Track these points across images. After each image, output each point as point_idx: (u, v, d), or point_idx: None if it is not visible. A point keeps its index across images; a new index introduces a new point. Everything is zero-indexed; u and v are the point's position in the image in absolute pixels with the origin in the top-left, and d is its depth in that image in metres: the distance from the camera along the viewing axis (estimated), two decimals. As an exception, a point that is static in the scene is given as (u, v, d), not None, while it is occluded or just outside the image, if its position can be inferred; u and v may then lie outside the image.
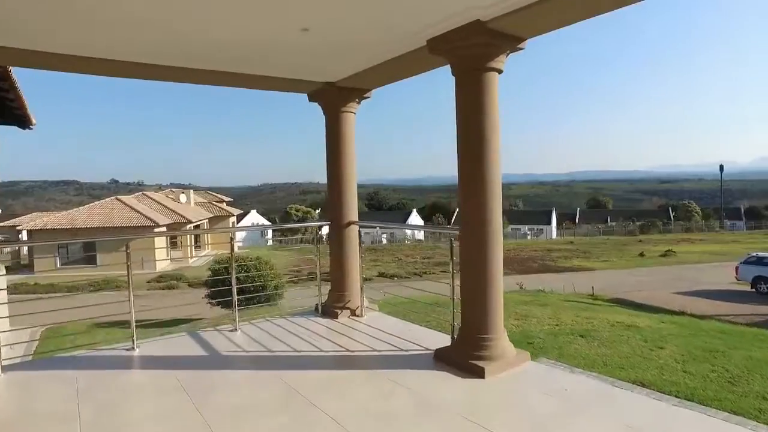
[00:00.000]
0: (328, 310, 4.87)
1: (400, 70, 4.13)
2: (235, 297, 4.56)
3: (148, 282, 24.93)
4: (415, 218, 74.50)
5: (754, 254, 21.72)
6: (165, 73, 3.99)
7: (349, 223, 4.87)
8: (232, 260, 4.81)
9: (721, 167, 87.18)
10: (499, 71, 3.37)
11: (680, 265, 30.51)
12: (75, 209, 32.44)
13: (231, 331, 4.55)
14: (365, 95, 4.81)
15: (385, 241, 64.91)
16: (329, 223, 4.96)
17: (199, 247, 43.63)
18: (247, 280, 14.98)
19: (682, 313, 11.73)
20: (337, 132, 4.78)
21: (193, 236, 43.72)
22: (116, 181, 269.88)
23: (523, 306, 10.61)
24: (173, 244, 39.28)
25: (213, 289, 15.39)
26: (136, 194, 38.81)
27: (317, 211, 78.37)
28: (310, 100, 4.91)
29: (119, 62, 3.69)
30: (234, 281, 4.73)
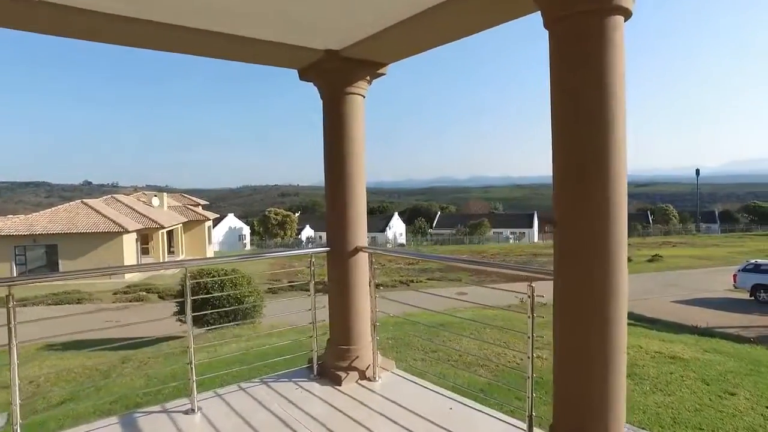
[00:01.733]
0: (327, 371, 3.49)
1: (436, 30, 2.81)
2: (192, 358, 3.13)
3: (115, 293, 23.02)
4: (396, 221, 73.35)
5: (752, 262, 21.10)
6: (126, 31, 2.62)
7: (357, 250, 3.51)
8: (187, 294, 3.36)
9: (698, 171, 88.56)
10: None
11: (670, 271, 29.95)
12: (35, 213, 30.18)
13: (187, 412, 3.06)
14: (379, 71, 3.47)
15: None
16: (328, 249, 3.59)
17: (173, 253, 41.54)
18: (222, 296, 13.44)
19: (709, 335, 10.66)
20: (340, 121, 3.42)
21: (166, 242, 41.65)
22: (89, 183, 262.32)
23: (542, 330, 9.42)
24: (144, 250, 37.20)
25: (180, 299, 13.86)
26: (105, 197, 36.59)
27: (297, 214, 76.59)
28: (301, 78, 3.54)
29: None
30: (190, 323, 3.30)
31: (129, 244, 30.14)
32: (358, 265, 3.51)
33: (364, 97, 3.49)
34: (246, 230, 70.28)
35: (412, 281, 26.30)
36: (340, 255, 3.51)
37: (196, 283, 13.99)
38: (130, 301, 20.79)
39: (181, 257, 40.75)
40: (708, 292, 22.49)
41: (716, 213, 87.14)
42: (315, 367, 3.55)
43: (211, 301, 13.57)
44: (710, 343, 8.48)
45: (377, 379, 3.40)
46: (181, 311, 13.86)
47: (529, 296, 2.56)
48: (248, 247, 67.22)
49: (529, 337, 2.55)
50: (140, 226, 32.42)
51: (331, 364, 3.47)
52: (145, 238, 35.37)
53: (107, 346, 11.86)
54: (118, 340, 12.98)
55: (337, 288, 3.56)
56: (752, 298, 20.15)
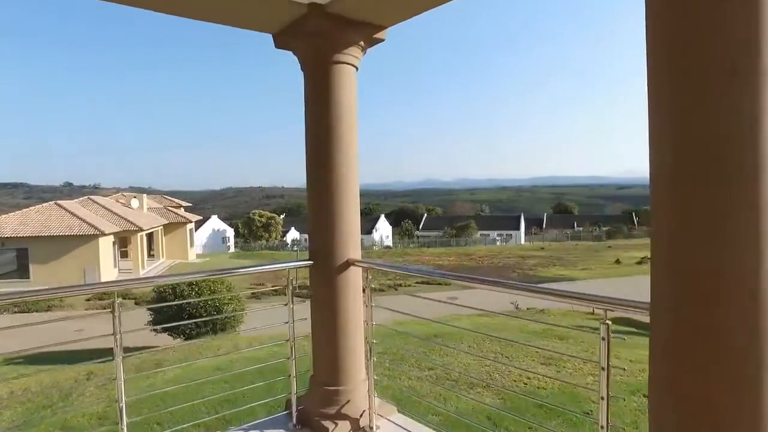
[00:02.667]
0: (310, 419, 2.71)
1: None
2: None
3: (88, 299, 21.85)
4: (383, 223, 72.65)
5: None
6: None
7: (348, 264, 2.75)
8: (116, 316, 2.54)
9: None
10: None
11: (660, 274, 29.70)
12: (5, 215, 28.76)
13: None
14: (376, 35, 2.71)
15: (353, 248, 62.71)
16: (310, 263, 2.82)
17: (153, 256, 40.24)
18: (198, 303, 12.54)
19: None
20: (327, 99, 2.65)
21: (146, 244, 40.33)
22: (70, 184, 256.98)
23: (542, 340, 8.70)
24: (123, 253, 35.88)
25: (156, 305, 12.91)
26: (81, 199, 35.19)
27: (282, 216, 75.48)
28: (278, 45, 2.77)
29: None
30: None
31: (106, 248, 28.90)
32: (349, 284, 2.75)
33: (356, 68, 2.74)
34: (230, 232, 68.98)
35: (401, 285, 25.57)
36: (326, 270, 2.75)
37: (173, 289, 13.09)
38: (104, 308, 19.67)
39: (161, 261, 39.53)
40: (700, 295, 22.22)
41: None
42: (294, 413, 2.76)
43: (187, 309, 12.70)
44: None
45: (374, 430, 2.64)
46: (156, 321, 12.98)
47: (603, 322, 1.83)
48: (232, 249, 65.92)
49: (603, 369, 1.82)
50: (118, 229, 31.17)
51: (314, 411, 2.69)
52: (124, 241, 34.10)
53: (85, 358, 10.89)
54: (87, 353, 12.07)
55: (323, 313, 2.80)
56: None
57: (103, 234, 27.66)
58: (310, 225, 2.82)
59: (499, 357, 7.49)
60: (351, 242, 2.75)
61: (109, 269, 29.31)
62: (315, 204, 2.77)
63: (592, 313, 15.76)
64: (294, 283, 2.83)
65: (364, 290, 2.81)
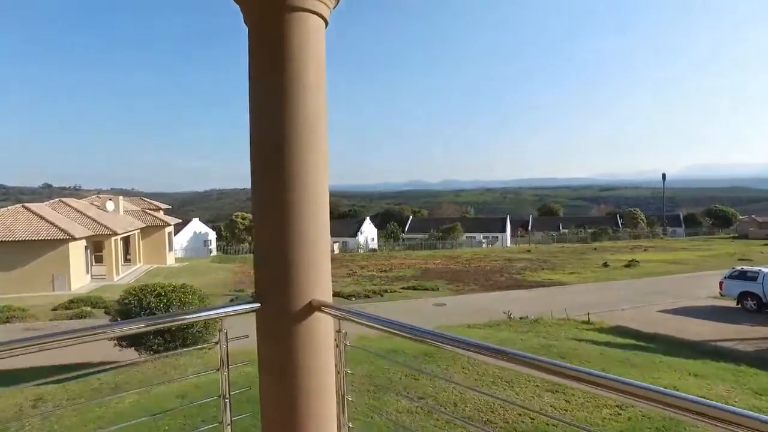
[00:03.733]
0: None
1: None
2: None
3: (54, 309, 20.52)
4: (368, 226, 71.70)
5: (738, 269, 20.40)
6: None
7: (312, 308, 1.87)
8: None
9: (664, 176, 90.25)
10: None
11: (649, 278, 29.33)
12: (-33, 220, 27.14)
13: None
14: (354, -28, 1.85)
15: (336, 251, 61.68)
16: (256, 305, 1.94)
17: (129, 261, 38.79)
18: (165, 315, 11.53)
19: (717, 355, 9.48)
20: (282, 61, 1.78)
21: (122, 248, 38.83)
22: (49, 185, 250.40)
23: (550, 356, 7.95)
24: (98, 258, 34.41)
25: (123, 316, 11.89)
26: (52, 201, 33.62)
27: (265, 219, 73.98)
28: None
29: None
30: None
31: (77, 253, 27.50)
32: (313, 338, 1.87)
33: (326, 22, 1.88)
34: (212, 235, 67.45)
35: (386, 291, 24.71)
36: (279, 317, 1.87)
37: (138, 300, 12.03)
38: (71, 318, 18.44)
39: (138, 266, 38.09)
40: (691, 300, 21.76)
41: (681, 217, 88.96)
42: None
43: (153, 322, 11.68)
44: (749, 376, 7.18)
45: None
46: (122, 336, 11.93)
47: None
48: (214, 252, 64.41)
49: None
50: (90, 233, 29.77)
51: None
52: (99, 246, 32.66)
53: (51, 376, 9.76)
54: (43, 370, 11.01)
55: (274, 378, 1.91)
56: (739, 306, 19.44)
57: (74, 238, 26.28)
58: (257, 253, 1.94)
59: (497, 381, 6.67)
60: (318, 277, 1.88)
61: (80, 276, 27.91)
62: (264, 221, 1.89)
63: (588, 322, 15.10)
64: (226, 341, 1.94)
65: (337, 345, 1.93)
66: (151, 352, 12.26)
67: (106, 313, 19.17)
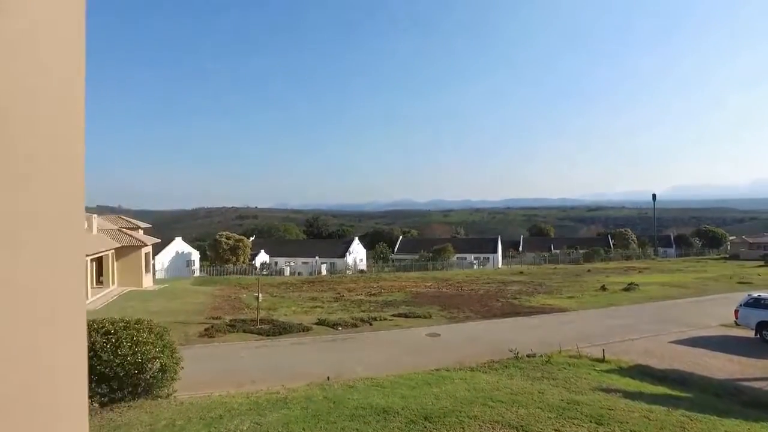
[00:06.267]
0: None
1: None
2: None
3: None
4: (357, 246, 69.86)
5: (753, 295, 18.99)
6: None
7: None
8: None
9: (654, 196, 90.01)
10: None
11: (651, 302, 27.89)
12: None
13: None
14: None
15: (324, 272, 59.62)
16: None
17: (102, 283, 36.49)
18: (113, 360, 9.62)
19: (761, 406, 7.92)
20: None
21: (94, 269, 36.54)
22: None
23: (572, 427, 6.23)
24: (67, 280, 32.11)
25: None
26: (16, 220, 31.38)
27: (252, 238, 71.90)
28: None
29: None
30: None
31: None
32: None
33: None
34: (195, 255, 65.03)
35: (375, 318, 22.88)
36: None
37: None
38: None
39: (111, 288, 35.78)
40: (702, 329, 20.27)
41: (672, 237, 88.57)
42: None
43: (98, 368, 9.79)
44: None
45: None
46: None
47: None
48: (197, 273, 61.98)
49: None
50: (57, 254, 27.61)
51: None
52: (68, 267, 30.42)
53: None
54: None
55: None
56: (757, 336, 17.99)
57: (35, 261, 24.13)
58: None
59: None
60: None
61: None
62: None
63: (604, 360, 13.46)
64: None
65: None
66: (98, 402, 10.38)
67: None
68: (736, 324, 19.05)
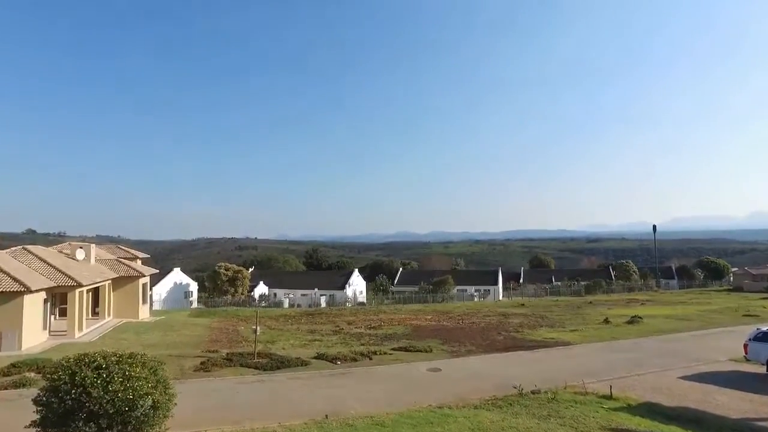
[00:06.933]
0: None
1: None
2: None
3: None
4: (356, 278, 69.28)
5: (762, 329, 18.60)
6: None
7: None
8: None
9: (654, 228, 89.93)
10: None
11: (656, 336, 27.40)
12: None
13: None
14: None
15: (323, 304, 58.93)
16: None
17: (97, 314, 35.93)
18: (102, 397, 9.25)
19: None
20: None
21: (90, 300, 36.02)
22: (33, 231, 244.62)
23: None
24: (62, 311, 31.63)
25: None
26: (13, 249, 31.15)
27: (251, 269, 71.40)
28: None
29: None
30: None
31: (33, 306, 24.90)
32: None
33: None
34: (194, 286, 64.41)
35: (375, 352, 22.36)
36: None
37: (70, 375, 9.81)
38: (7, 388, 15.77)
39: (107, 320, 35.20)
40: (711, 364, 19.78)
41: (673, 269, 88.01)
42: None
43: (87, 404, 9.41)
44: None
45: None
46: (46, 420, 9.65)
47: None
48: (195, 305, 61.24)
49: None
50: (52, 284, 27.27)
51: None
52: (64, 298, 30.00)
53: None
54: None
55: None
56: (768, 372, 17.52)
57: (29, 291, 23.79)
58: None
59: None
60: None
61: (35, 332, 25.18)
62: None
63: (610, 397, 13.01)
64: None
65: None
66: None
67: (50, 381, 16.53)
68: (746, 359, 18.61)
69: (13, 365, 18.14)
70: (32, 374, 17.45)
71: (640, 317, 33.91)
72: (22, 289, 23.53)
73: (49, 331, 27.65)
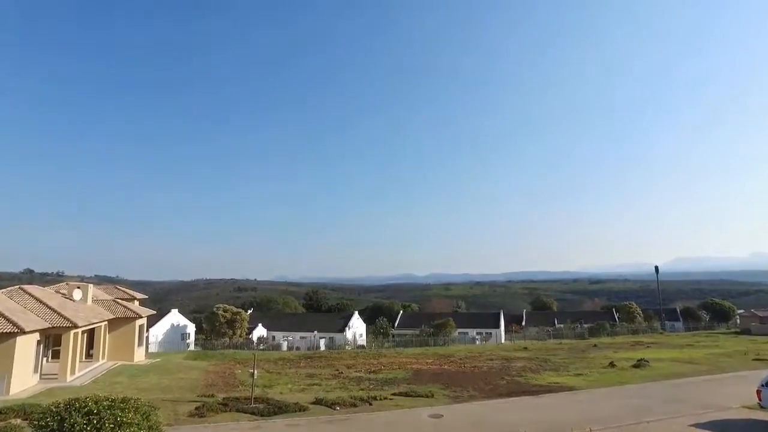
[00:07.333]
0: None
1: None
2: None
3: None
4: (356, 321, 68.23)
5: (773, 375, 18.08)
6: None
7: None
8: None
9: (657, 269, 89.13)
10: None
11: (664, 380, 26.62)
12: None
13: None
14: None
15: (323, 347, 57.78)
16: None
17: (92, 356, 35.17)
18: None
19: None
20: None
21: (85, 342, 35.33)
22: (31, 271, 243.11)
23: None
24: (55, 353, 30.97)
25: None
26: (9, 288, 30.82)
27: (249, 311, 70.47)
28: None
29: None
30: None
31: (25, 349, 24.35)
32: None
33: None
34: (191, 328, 63.36)
35: (375, 398, 21.70)
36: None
37: (59, 421, 9.47)
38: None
39: (101, 362, 34.40)
40: (724, 411, 19.08)
41: (678, 311, 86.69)
42: None
43: (78, 451, 9.02)
44: None
45: None
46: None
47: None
48: (192, 347, 60.05)
49: None
50: (47, 325, 26.79)
51: None
52: (58, 339, 29.41)
53: None
54: None
55: None
56: (782, 419, 16.89)
57: (23, 332, 23.34)
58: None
59: None
60: None
61: (25, 376, 24.52)
62: None
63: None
64: None
65: None
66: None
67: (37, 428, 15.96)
68: (760, 406, 17.97)
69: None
70: (18, 421, 16.83)
71: (647, 361, 33.12)
72: (16, 330, 23.10)
73: (40, 375, 26.94)
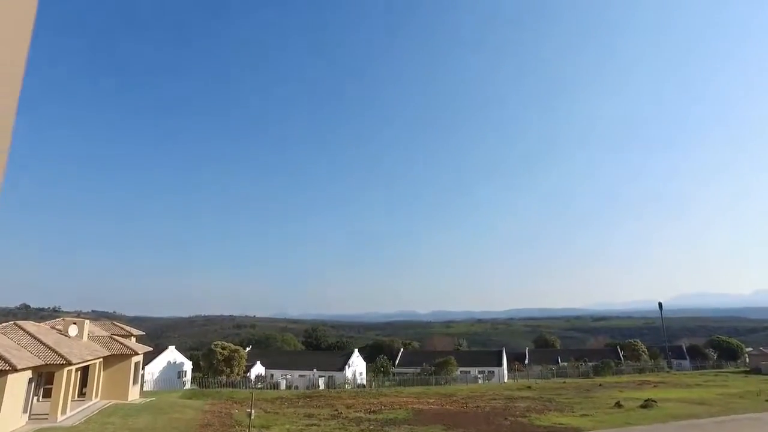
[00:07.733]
0: None
1: None
2: None
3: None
4: (356, 359, 66.91)
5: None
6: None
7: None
8: None
9: (660, 305, 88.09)
10: None
11: (674, 421, 25.83)
12: None
13: None
14: None
15: (322, 386, 56.44)
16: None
17: (84, 394, 34.29)
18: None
19: None
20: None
21: (78, 379, 34.51)
22: (27, 306, 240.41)
23: None
24: (47, 392, 30.20)
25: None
26: (4, 325, 30.36)
27: (248, 349, 69.25)
28: None
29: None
30: None
31: (16, 387, 23.75)
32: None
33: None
34: (188, 366, 62.09)
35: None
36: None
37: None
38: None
39: (94, 401, 33.50)
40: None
41: (684, 348, 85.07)
42: None
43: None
44: None
45: None
46: None
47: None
48: (188, 385, 58.72)
49: None
50: (40, 362, 26.23)
51: None
52: (50, 377, 28.74)
53: None
54: None
55: None
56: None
57: (15, 369, 22.82)
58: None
59: None
60: None
61: (14, 417, 23.81)
62: None
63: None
64: None
65: None
66: None
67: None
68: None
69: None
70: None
71: (654, 401, 32.24)
72: (7, 368, 22.58)
73: (30, 415, 26.16)
